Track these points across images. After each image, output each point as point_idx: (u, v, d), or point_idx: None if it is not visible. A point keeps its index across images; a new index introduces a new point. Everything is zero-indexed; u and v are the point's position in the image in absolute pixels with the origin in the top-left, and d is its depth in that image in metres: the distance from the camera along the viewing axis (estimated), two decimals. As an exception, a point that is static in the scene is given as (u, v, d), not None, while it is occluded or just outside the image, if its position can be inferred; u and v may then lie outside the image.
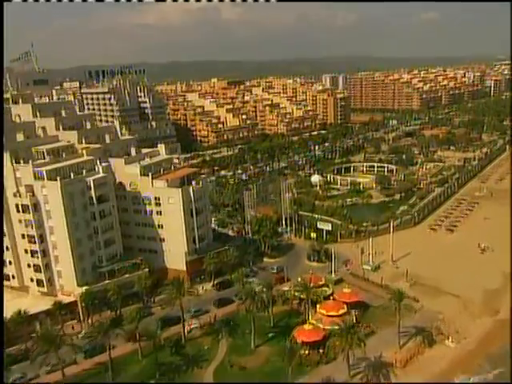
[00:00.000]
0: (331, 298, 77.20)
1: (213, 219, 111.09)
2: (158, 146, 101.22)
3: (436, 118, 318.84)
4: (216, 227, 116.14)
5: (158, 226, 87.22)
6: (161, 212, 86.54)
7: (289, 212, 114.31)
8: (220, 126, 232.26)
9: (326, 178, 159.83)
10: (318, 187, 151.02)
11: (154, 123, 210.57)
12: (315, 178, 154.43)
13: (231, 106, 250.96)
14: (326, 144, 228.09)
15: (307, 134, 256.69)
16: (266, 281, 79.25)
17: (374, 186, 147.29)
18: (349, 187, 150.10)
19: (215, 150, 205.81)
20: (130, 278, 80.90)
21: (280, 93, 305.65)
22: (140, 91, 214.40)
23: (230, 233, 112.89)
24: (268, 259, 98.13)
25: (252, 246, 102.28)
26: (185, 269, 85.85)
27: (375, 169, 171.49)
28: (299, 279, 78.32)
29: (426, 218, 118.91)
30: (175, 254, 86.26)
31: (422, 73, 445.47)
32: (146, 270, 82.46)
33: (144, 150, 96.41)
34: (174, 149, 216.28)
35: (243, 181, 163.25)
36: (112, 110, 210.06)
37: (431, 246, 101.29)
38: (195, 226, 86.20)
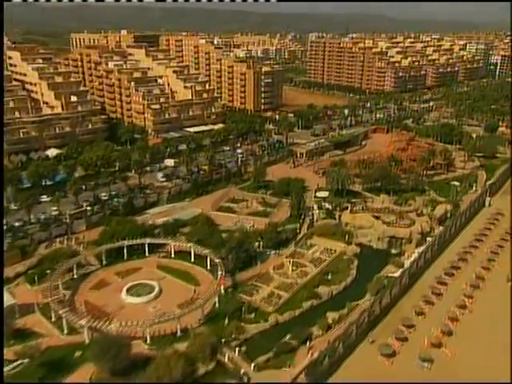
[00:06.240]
0: None
1: None
2: None
3: (409, 108, 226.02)
4: None
5: None
6: None
7: None
8: (16, 113, 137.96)
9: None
10: None
11: None
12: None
13: (61, 80, 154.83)
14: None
15: (197, 130, 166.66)
16: None
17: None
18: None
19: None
20: None
21: (174, 58, 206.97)
22: None
23: None
24: None
25: None
26: None
27: (192, 251, 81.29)
28: None
29: None
30: None
31: (406, 41, 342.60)
32: None
33: None
34: None
35: None
36: None
37: None
38: None
